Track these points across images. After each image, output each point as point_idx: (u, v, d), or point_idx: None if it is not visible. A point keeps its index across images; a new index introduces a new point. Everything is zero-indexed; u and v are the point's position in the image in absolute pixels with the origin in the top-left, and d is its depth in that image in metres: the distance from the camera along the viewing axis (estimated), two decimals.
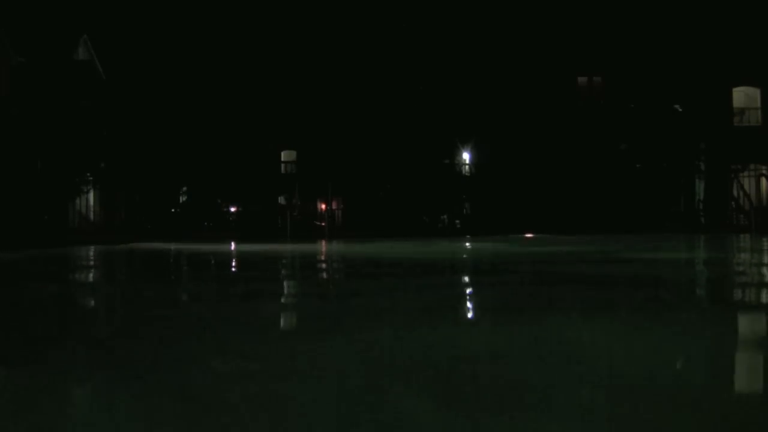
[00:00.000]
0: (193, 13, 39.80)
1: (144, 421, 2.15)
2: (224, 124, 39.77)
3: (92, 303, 6.20)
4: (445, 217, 38.92)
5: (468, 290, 6.48)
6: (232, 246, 20.82)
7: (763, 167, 34.24)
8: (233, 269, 10.88)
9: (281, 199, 42.38)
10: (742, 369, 2.79)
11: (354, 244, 20.92)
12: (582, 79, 37.75)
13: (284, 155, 42.88)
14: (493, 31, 37.04)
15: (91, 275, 10.39)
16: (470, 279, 8.01)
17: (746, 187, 34.13)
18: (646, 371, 2.63)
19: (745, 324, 4.08)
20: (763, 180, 34.02)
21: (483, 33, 37.17)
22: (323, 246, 19.75)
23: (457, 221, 38.44)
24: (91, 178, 31.95)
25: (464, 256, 13.58)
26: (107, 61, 36.87)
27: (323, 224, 36.82)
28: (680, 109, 35.27)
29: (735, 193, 34.25)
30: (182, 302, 6.03)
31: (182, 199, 42.01)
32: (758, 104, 35.68)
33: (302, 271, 10.42)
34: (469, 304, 5.34)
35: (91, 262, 13.49)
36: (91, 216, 34.92)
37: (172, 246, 21.45)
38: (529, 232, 30.85)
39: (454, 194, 38.36)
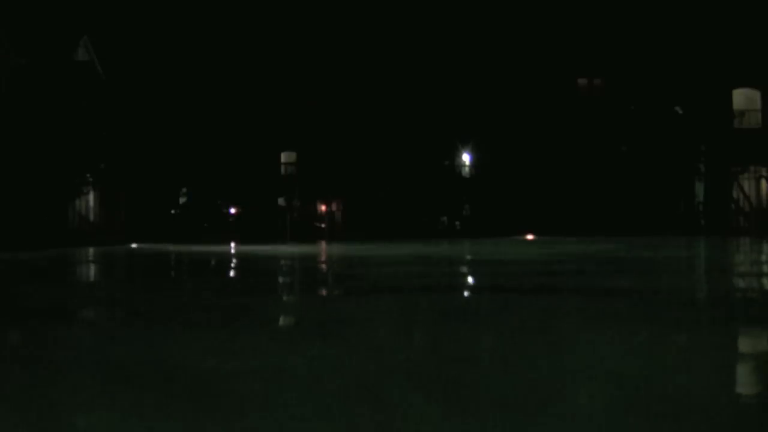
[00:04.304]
0: (192, 14, 39.77)
1: None
2: (224, 125, 39.74)
3: (80, 314, 6.18)
4: (445, 218, 38.92)
5: None
6: (232, 248, 20.80)
7: (763, 169, 34.21)
8: (233, 276, 10.86)
9: (281, 201, 42.33)
10: None
11: (354, 246, 20.89)
12: (582, 81, 37.72)
13: (284, 156, 42.79)
14: (494, 33, 37.02)
15: (87, 279, 10.38)
16: None
17: (746, 189, 34.11)
18: None
19: None
20: (763, 182, 34.00)
21: (484, 34, 37.14)
22: (323, 249, 19.72)
23: (457, 222, 38.46)
24: (90, 179, 31.91)
25: (470, 269, 13.53)
26: (107, 61, 36.83)
27: (323, 226, 36.81)
28: (680, 111, 35.24)
29: (735, 195, 34.24)
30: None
31: (182, 200, 41.98)
32: (758, 106, 35.63)
33: (301, 285, 10.38)
34: None
35: (89, 266, 13.48)
36: (91, 217, 34.88)
37: (171, 248, 21.44)
38: (529, 234, 30.86)
39: (454, 195, 38.36)
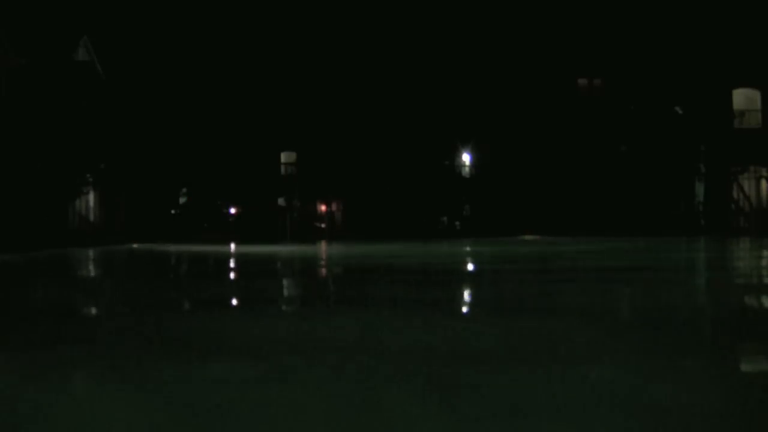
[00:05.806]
0: (192, 14, 39.77)
1: None
2: (224, 126, 39.73)
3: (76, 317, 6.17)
4: (445, 218, 38.91)
5: None
6: (232, 249, 20.80)
7: (763, 169, 34.20)
8: (233, 280, 10.86)
9: (281, 201, 42.30)
10: None
11: (355, 246, 20.88)
12: (582, 81, 37.70)
13: (284, 157, 42.74)
14: (494, 33, 37.00)
15: (85, 280, 10.37)
16: None
17: (746, 189, 34.10)
18: None
19: None
20: (763, 182, 33.99)
21: (484, 35, 37.13)
22: (323, 250, 19.71)
23: (457, 223, 38.45)
24: (90, 180, 31.89)
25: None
26: (107, 61, 36.82)
27: (323, 226, 36.81)
28: (680, 111, 35.23)
29: (735, 195, 34.23)
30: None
31: (182, 200, 41.97)
32: (758, 106, 35.60)
33: (306, 296, 10.35)
34: None
35: (88, 267, 13.47)
36: (91, 217, 34.87)
37: (171, 248, 21.44)
38: (528, 234, 30.85)
39: (454, 196, 38.35)
